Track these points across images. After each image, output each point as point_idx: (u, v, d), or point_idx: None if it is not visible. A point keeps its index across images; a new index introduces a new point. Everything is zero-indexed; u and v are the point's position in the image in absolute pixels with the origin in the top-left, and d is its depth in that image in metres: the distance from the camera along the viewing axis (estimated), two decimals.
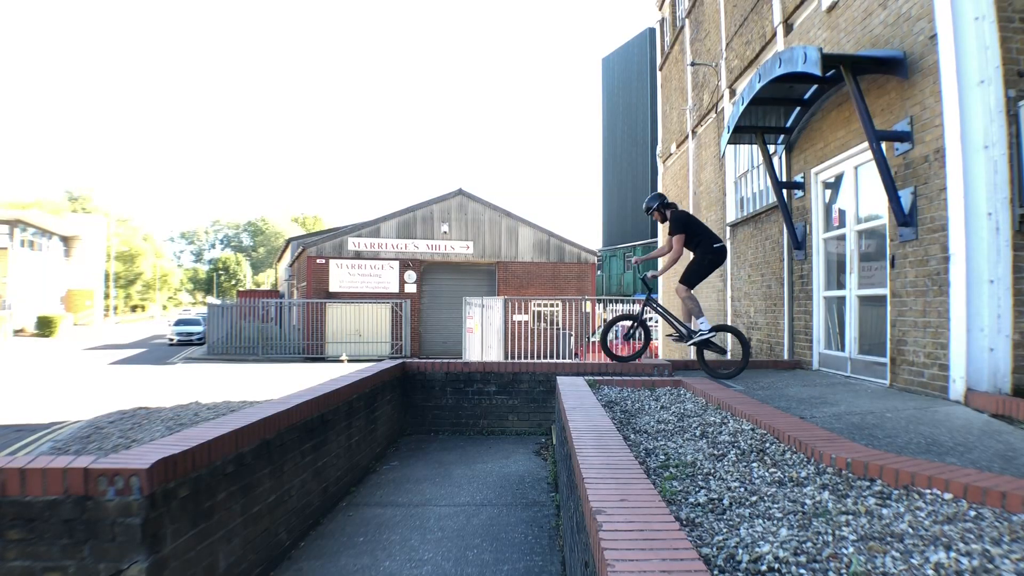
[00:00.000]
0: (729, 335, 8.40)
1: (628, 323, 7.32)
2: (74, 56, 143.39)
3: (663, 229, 7.05)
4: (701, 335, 6.69)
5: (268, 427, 3.81)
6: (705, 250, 6.83)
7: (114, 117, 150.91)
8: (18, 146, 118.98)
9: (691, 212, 12.75)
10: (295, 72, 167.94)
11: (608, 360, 7.09)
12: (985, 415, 4.33)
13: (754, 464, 3.19)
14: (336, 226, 47.00)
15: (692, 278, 6.85)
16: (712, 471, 3.06)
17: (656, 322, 13.66)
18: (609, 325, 7.33)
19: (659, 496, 2.36)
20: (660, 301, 8.79)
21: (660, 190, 16.00)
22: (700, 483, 2.87)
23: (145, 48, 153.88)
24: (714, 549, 2.08)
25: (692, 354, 7.45)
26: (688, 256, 7.04)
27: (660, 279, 13.06)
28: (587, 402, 4.62)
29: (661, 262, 7.27)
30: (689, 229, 6.89)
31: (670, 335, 7.53)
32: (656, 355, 14.56)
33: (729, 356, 8.59)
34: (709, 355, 7.36)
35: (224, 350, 25.01)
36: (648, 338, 7.19)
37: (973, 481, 2.54)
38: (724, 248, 6.93)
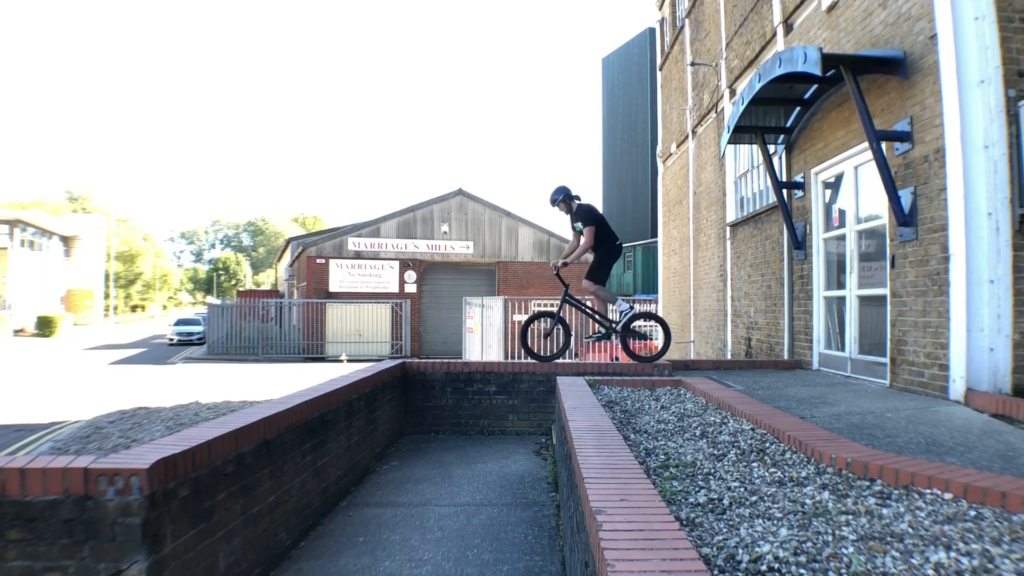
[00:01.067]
0: (650, 321, 8.20)
1: (548, 321, 7.30)
2: (74, 56, 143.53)
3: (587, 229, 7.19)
4: (625, 316, 6.88)
5: (268, 427, 3.81)
6: (609, 247, 6.95)
7: (114, 117, 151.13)
8: (18, 146, 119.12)
9: (691, 212, 12.79)
10: (296, 72, 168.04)
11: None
12: (985, 415, 4.33)
13: (754, 464, 3.19)
14: (336, 226, 47.00)
15: (601, 274, 6.97)
16: (712, 471, 3.06)
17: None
18: (528, 323, 7.28)
19: (659, 496, 2.36)
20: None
21: (660, 190, 15.98)
22: (700, 483, 2.87)
23: (145, 48, 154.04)
24: (714, 549, 2.08)
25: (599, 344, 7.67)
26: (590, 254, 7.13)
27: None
28: (587, 402, 4.62)
29: (574, 253, 7.06)
30: (599, 223, 6.96)
31: (589, 337, 7.52)
32: None
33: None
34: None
35: (224, 350, 25.03)
36: (568, 334, 7.25)
37: (973, 481, 2.54)
38: (621, 244, 7.13)
